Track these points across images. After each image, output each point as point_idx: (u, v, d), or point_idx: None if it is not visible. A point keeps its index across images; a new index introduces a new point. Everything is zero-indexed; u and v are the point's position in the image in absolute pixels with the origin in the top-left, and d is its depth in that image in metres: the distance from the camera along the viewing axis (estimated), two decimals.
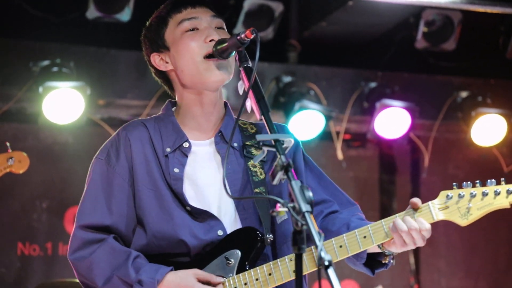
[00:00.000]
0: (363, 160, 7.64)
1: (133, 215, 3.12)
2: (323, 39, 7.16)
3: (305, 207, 2.47)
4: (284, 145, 2.70)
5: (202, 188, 3.12)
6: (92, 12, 6.30)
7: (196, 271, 3.00)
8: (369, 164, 7.65)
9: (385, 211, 7.55)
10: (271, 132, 2.77)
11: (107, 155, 3.16)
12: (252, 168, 3.13)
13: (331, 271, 2.35)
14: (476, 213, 2.92)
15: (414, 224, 2.93)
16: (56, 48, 6.56)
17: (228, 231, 3.08)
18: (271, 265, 2.99)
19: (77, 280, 5.28)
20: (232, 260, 3.02)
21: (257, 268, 3.00)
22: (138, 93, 6.74)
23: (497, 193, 2.90)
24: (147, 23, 3.27)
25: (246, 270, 3.02)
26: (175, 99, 3.29)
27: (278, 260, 2.99)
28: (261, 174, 3.15)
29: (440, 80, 7.51)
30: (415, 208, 2.98)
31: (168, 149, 3.14)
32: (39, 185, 6.74)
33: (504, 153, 7.59)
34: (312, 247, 2.89)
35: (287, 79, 7.04)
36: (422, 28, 6.91)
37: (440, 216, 2.95)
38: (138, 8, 6.27)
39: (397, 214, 3.00)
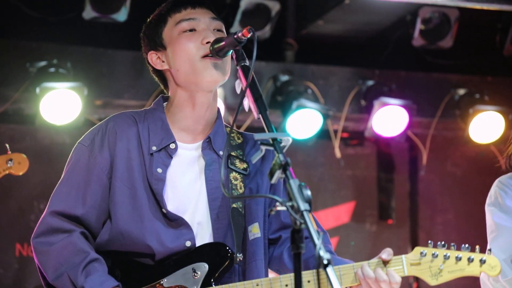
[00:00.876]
0: (361, 159, 7.64)
1: (106, 208, 3.10)
2: (320, 37, 7.16)
3: (303, 206, 2.48)
4: (282, 144, 2.70)
5: (181, 191, 3.11)
6: (88, 12, 6.29)
7: None
8: (367, 162, 7.64)
9: (383, 209, 7.55)
10: (268, 131, 2.77)
11: (91, 143, 3.14)
12: (233, 181, 3.12)
13: (330, 270, 2.34)
14: (447, 276, 2.94)
15: (384, 276, 2.91)
16: (53, 48, 6.55)
17: (198, 240, 3.06)
18: (237, 286, 2.97)
19: None
20: (199, 273, 3.01)
21: (223, 286, 2.99)
22: (135, 93, 6.73)
23: (470, 260, 2.92)
24: (148, 20, 3.25)
25: (212, 285, 3.00)
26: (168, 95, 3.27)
27: (244, 282, 2.98)
28: (240, 188, 3.14)
29: (438, 77, 7.51)
30: (387, 261, 2.95)
31: (154, 148, 3.12)
32: (37, 185, 6.72)
33: (502, 151, 7.58)
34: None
35: (284, 78, 7.04)
36: (419, 26, 6.90)
37: (411, 271, 2.95)
38: (134, 8, 6.26)
39: (369, 261, 2.97)
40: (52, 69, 6.43)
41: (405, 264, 2.95)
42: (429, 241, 2.97)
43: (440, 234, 7.56)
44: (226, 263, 3.02)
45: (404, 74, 7.46)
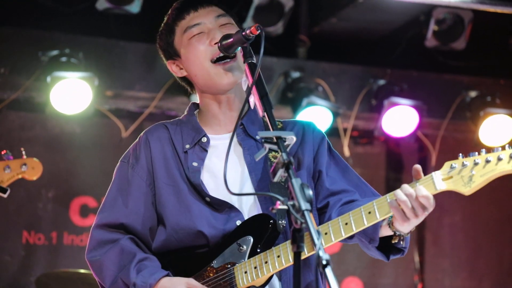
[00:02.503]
0: (370, 158, 7.63)
1: (150, 214, 3.19)
2: (332, 35, 7.15)
3: (304, 205, 2.48)
4: (286, 143, 2.70)
5: (222, 180, 3.14)
6: (101, 3, 6.30)
7: (189, 281, 3.05)
8: (376, 162, 7.64)
9: None
10: (273, 129, 2.78)
11: (129, 158, 3.26)
12: (272, 159, 3.14)
13: (328, 270, 2.35)
14: (479, 180, 2.81)
15: (410, 190, 2.83)
16: (65, 38, 6.58)
17: None
18: (280, 248, 2.99)
19: (81, 270, 5.33)
20: (244, 246, 3.05)
21: (267, 251, 3.01)
22: (146, 85, 6.74)
23: (499, 159, 2.79)
24: (159, 31, 3.33)
25: (258, 253, 3.04)
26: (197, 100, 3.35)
27: (286, 242, 2.98)
28: None
29: (449, 79, 7.49)
30: (417, 178, 2.89)
31: (187, 146, 3.20)
32: (45, 174, 6.68)
33: None
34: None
35: (295, 74, 7.03)
36: (432, 27, 6.89)
37: (442, 186, 2.85)
38: (148, 0, 6.27)
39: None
40: (63, 59, 6.44)
41: (435, 180, 2.84)
42: (460, 154, 2.87)
43: (446, 236, 7.55)
44: (269, 232, 3.04)
45: (415, 74, 7.44)
